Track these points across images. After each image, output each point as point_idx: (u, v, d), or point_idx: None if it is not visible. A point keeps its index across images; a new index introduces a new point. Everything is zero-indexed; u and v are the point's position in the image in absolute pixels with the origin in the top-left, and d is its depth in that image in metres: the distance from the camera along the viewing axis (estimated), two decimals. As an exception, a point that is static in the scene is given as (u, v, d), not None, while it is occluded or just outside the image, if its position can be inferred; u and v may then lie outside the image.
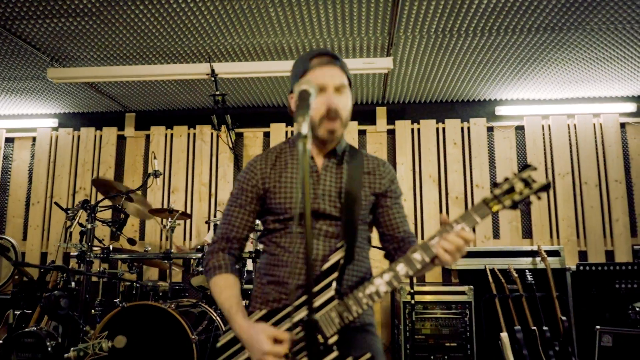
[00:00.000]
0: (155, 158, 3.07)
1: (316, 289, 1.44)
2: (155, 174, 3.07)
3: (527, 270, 4.11)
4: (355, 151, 1.65)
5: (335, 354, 1.37)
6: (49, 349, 2.73)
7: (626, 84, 4.45)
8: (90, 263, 2.95)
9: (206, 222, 4.39)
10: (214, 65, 3.71)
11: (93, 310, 3.09)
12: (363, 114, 4.98)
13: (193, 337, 2.65)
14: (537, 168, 1.35)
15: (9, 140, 5.25)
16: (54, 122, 5.14)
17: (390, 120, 4.96)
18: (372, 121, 4.97)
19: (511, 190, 1.33)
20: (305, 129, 1.04)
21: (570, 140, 4.79)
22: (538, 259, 4.19)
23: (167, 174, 4.99)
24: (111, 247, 2.99)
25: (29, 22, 3.31)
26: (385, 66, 3.73)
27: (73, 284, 2.46)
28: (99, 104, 4.94)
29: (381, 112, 4.97)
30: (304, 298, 1.44)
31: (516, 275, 4.06)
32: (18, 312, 3.40)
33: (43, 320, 3.79)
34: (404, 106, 5.00)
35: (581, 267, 4.05)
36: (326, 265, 1.46)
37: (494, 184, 1.36)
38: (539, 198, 1.34)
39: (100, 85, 4.43)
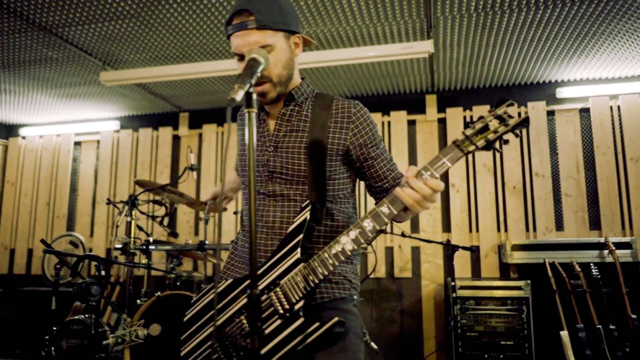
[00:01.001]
0: (191, 152, 3.14)
1: (281, 253, 1.40)
2: (192, 168, 3.14)
3: (592, 264, 3.76)
4: (324, 96, 1.54)
5: (301, 320, 1.31)
6: (95, 335, 2.86)
7: None
8: (133, 255, 3.07)
9: (234, 213, 4.46)
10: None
11: (138, 300, 3.21)
12: (411, 102, 4.81)
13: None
14: (515, 103, 1.22)
15: (77, 144, 5.62)
16: (116, 125, 5.43)
17: (441, 108, 4.75)
18: (422, 110, 4.79)
19: (485, 129, 1.22)
20: (240, 96, 0.99)
21: (643, 121, 4.34)
22: (606, 251, 3.83)
23: (218, 171, 5.11)
24: (151, 239, 3.09)
25: (77, 27, 3.50)
26: (425, 50, 3.57)
27: (103, 272, 2.57)
28: (155, 105, 5.16)
29: (431, 100, 4.77)
30: (267, 264, 1.41)
31: (579, 269, 3.74)
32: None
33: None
34: (455, 93, 4.77)
35: (655, 261, 3.65)
36: (291, 228, 1.40)
37: (466, 124, 1.27)
38: (517, 135, 1.23)
39: (153, 87, 4.62)
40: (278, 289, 1.36)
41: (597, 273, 3.71)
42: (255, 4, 1.35)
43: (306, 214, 1.39)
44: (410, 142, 4.76)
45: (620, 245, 3.82)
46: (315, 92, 1.57)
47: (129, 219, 3.05)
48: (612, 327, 3.53)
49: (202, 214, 3.25)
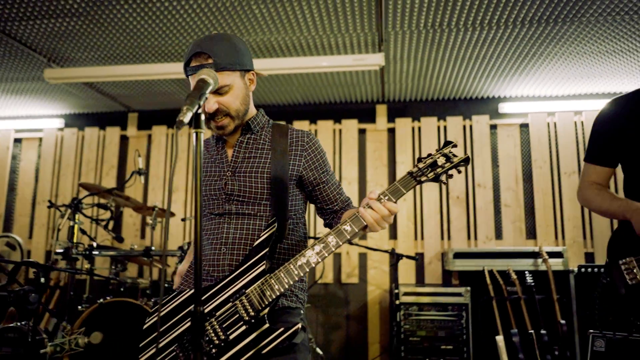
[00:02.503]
0: (139, 156, 3.08)
1: (247, 264, 1.48)
2: (139, 172, 3.08)
3: (527, 272, 3.98)
4: (280, 126, 1.67)
5: (266, 325, 1.41)
6: (32, 344, 2.76)
7: (634, 78, 4.27)
8: (75, 260, 2.98)
9: (182, 220, 4.41)
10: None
11: (80, 307, 3.12)
12: (362, 112, 4.92)
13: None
14: (457, 145, 1.43)
15: (17, 141, 5.38)
16: (60, 123, 5.25)
17: (391, 118, 4.89)
18: (372, 119, 4.91)
19: (434, 164, 1.42)
20: (188, 118, 1.02)
21: (577, 137, 4.62)
22: (540, 260, 4.06)
23: (167, 174, 5.03)
24: (94, 244, 3.02)
25: (21, 23, 3.37)
26: (376, 62, 3.67)
27: (42, 279, 2.49)
28: (102, 104, 5.02)
29: (381, 110, 4.90)
30: (233, 274, 1.49)
31: (515, 277, 3.94)
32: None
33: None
34: (405, 104, 4.92)
35: (583, 270, 3.90)
36: (257, 242, 1.50)
37: (419, 159, 1.44)
38: (459, 172, 1.44)
39: (100, 86, 4.50)
40: (244, 298, 1.43)
41: (532, 280, 3.92)
42: (213, 47, 1.45)
43: (272, 230, 1.50)
44: (361, 150, 4.86)
45: (552, 255, 4.06)
46: (270, 122, 1.70)
47: (72, 222, 2.97)
48: (543, 331, 3.75)
49: (149, 219, 3.21)
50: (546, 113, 4.68)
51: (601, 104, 4.50)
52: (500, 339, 3.73)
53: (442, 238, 4.62)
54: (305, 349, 1.50)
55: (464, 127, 4.77)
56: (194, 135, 1.03)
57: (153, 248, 2.91)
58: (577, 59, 3.89)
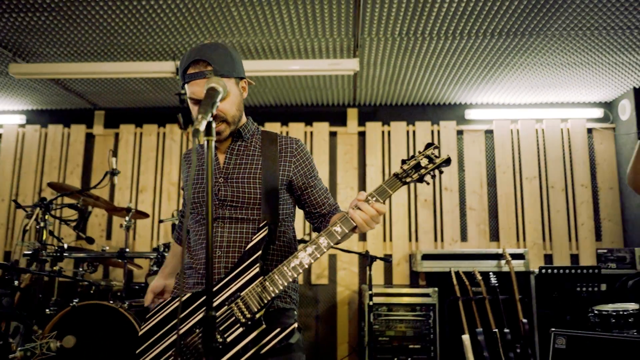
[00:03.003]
0: (113, 156, 3.03)
1: (241, 267, 1.50)
2: (113, 173, 3.03)
3: (491, 273, 4.13)
4: (269, 133, 1.72)
5: (262, 327, 1.43)
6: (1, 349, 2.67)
7: (593, 90, 4.51)
8: (44, 262, 2.90)
9: (160, 222, 4.36)
10: (179, 63, 3.68)
11: (48, 310, 3.04)
12: (334, 115, 4.98)
13: (144, 337, 2.62)
14: (439, 147, 1.57)
15: (-26, 137, 5.16)
16: (22, 119, 5.07)
17: (361, 122, 4.97)
18: (343, 122, 4.98)
19: (418, 165, 1.49)
20: (203, 126, 1.05)
21: (538, 144, 4.84)
22: (503, 261, 4.23)
23: (135, 173, 4.94)
24: (65, 245, 2.94)
25: (-13, 16, 3.25)
26: (351, 68, 3.73)
27: (16, 282, 2.42)
28: (67, 101, 4.88)
29: (352, 114, 4.97)
30: (227, 278, 1.51)
31: (480, 278, 4.09)
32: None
33: None
34: (375, 108, 5.01)
35: (544, 271, 4.09)
36: (249, 245, 1.52)
37: (403, 161, 1.50)
38: (442, 172, 1.52)
39: (67, 82, 4.38)
40: (239, 300, 1.46)
41: (496, 281, 4.08)
42: (211, 54, 1.51)
43: (264, 233, 1.53)
44: (331, 153, 4.92)
45: (515, 256, 4.23)
46: (259, 129, 1.74)
47: (42, 224, 2.88)
48: (506, 330, 3.91)
49: (124, 221, 3.15)
50: (510, 120, 4.87)
51: (560, 113, 4.77)
52: (466, 337, 3.86)
53: (410, 240, 4.73)
54: (300, 349, 1.53)
55: (432, 132, 4.90)
56: (206, 142, 1.05)
57: (127, 250, 2.86)
58: (539, 70, 4.08)
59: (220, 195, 1.60)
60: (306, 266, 1.46)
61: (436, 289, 4.08)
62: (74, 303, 2.66)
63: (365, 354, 3.95)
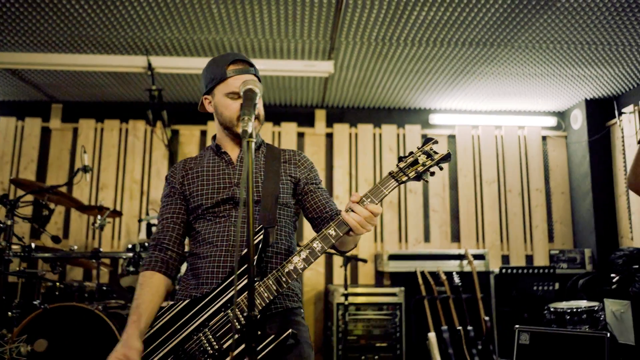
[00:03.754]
0: (85, 152, 2.92)
1: (237, 272, 1.47)
2: (85, 169, 2.92)
3: (454, 273, 4.29)
4: (272, 146, 1.75)
5: (258, 332, 1.39)
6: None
7: (548, 99, 4.77)
8: (8, 262, 2.75)
9: (139, 221, 4.23)
10: (151, 58, 3.60)
11: (10, 313, 2.88)
12: (302, 116, 5.00)
13: (121, 340, 2.54)
14: (438, 142, 1.46)
15: None
16: (-30, 110, 4.77)
17: (329, 123, 5.02)
18: (311, 124, 5.00)
19: (415, 162, 1.42)
20: (250, 127, 1.06)
21: (497, 150, 5.06)
22: (465, 262, 4.40)
23: (96, 170, 4.76)
24: (33, 245, 2.80)
25: (-55, 0, 3.05)
26: (326, 70, 3.78)
27: None
28: (22, 92, 4.63)
29: (320, 115, 5.01)
30: (223, 285, 1.48)
31: (444, 277, 4.24)
32: None
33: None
34: (343, 110, 5.08)
35: (504, 270, 4.29)
36: (245, 250, 1.49)
37: (399, 158, 1.43)
38: (441, 168, 1.45)
39: (24, 73, 4.16)
40: (235, 307, 1.42)
41: (459, 281, 4.24)
42: (248, 58, 1.63)
43: (259, 237, 1.49)
44: (299, 153, 4.93)
45: (476, 257, 4.42)
46: (265, 143, 1.77)
47: (9, 222, 2.72)
48: (469, 328, 4.07)
49: (98, 220, 3.03)
50: (471, 126, 5.07)
51: (517, 121, 5.02)
52: (432, 335, 3.99)
53: (376, 241, 4.83)
54: (308, 345, 1.53)
55: (398, 135, 5.02)
56: (246, 144, 1.05)
57: (101, 249, 2.76)
58: (501, 79, 4.27)
59: (236, 198, 1.60)
60: (300, 271, 1.43)
61: (402, 288, 4.19)
62: (45, 305, 2.54)
63: (334, 354, 4.00)
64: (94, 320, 2.57)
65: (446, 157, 1.44)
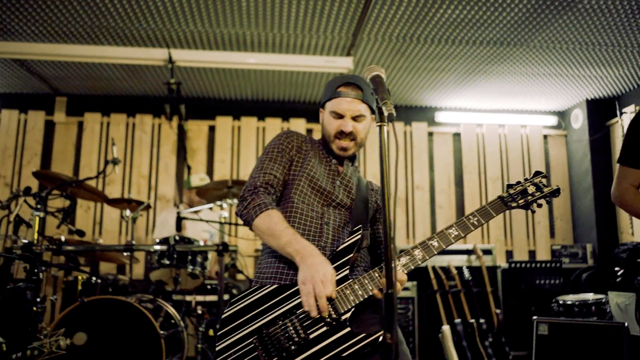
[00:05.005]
0: (114, 144, 2.87)
1: (344, 265, 1.50)
2: (114, 162, 2.87)
3: (464, 268, 4.37)
4: (360, 177, 1.84)
5: (348, 329, 1.42)
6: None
7: (549, 99, 4.91)
8: (39, 255, 2.68)
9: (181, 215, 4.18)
10: (172, 52, 3.56)
11: (35, 308, 2.81)
12: (310, 112, 5.02)
13: (161, 332, 2.51)
14: (548, 176, 1.55)
15: None
16: (-31, 102, 4.63)
17: (337, 120, 5.03)
18: (319, 120, 5.01)
19: (525, 192, 1.52)
20: (393, 109, 1.09)
21: (500, 148, 5.17)
22: (473, 257, 4.48)
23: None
24: (63, 238, 2.75)
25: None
26: (346, 66, 3.80)
27: (40, 275, 2.23)
28: (25, 84, 4.52)
29: (328, 112, 5.03)
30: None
31: (455, 272, 4.31)
32: None
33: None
34: (351, 107, 5.10)
35: (513, 265, 4.39)
36: (342, 246, 1.53)
37: (508, 185, 1.53)
38: (548, 202, 1.53)
39: (31, 64, 4.05)
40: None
41: (469, 275, 4.33)
42: (361, 83, 1.68)
43: (357, 237, 1.54)
44: (308, 149, 4.95)
45: (484, 252, 4.51)
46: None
47: (41, 214, 2.66)
48: (481, 320, 4.16)
49: (128, 212, 2.98)
50: (475, 124, 5.17)
51: (520, 120, 5.14)
52: (446, 328, 4.06)
53: (384, 236, 4.87)
54: (401, 342, 1.54)
55: (405, 132, 5.09)
56: (378, 128, 1.08)
57: (134, 243, 2.72)
58: (507, 78, 4.37)
59: (338, 199, 1.66)
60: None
61: (415, 282, 4.24)
62: (82, 298, 2.50)
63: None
64: (132, 313, 2.54)
65: (555, 192, 1.52)
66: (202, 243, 3.20)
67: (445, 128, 5.16)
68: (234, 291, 3.38)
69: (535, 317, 3.51)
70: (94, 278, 2.89)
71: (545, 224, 5.05)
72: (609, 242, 4.66)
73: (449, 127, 5.17)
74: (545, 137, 5.24)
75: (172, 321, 2.96)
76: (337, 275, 1.48)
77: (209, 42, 3.69)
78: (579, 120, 5.00)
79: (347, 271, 1.49)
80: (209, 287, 3.16)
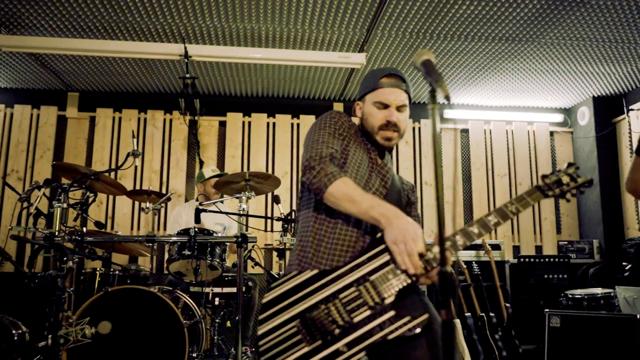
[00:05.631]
0: (134, 137, 2.90)
1: (371, 253, 1.52)
2: (134, 154, 2.90)
3: (474, 262, 4.42)
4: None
5: (392, 313, 1.44)
6: (15, 337, 2.48)
7: (556, 96, 4.96)
8: (62, 246, 2.71)
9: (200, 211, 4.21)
10: (188, 46, 3.59)
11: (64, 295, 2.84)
12: (321, 108, 5.06)
13: (184, 322, 2.55)
14: (579, 167, 1.60)
15: None
16: (-18, 97, 4.65)
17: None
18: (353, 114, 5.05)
19: (560, 182, 1.57)
20: (448, 92, 1.13)
21: (507, 144, 5.22)
22: (482, 252, 4.53)
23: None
24: (85, 229, 2.78)
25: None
26: (359, 62, 3.84)
27: (70, 263, 2.27)
28: (38, 79, 4.54)
29: (339, 108, 5.08)
30: (356, 262, 1.53)
31: (464, 266, 4.36)
32: None
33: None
34: (360, 104, 5.14)
35: (522, 260, 4.44)
36: (380, 233, 1.54)
37: (543, 176, 1.57)
38: (582, 192, 1.57)
39: (45, 58, 4.07)
40: (368, 284, 1.48)
41: (478, 270, 4.37)
42: (403, 75, 1.75)
43: None
44: (317, 145, 4.98)
45: (492, 247, 4.56)
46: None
47: (65, 205, 2.69)
48: (491, 314, 4.21)
49: (148, 204, 3.02)
50: (483, 121, 5.22)
51: (527, 117, 5.19)
52: (457, 322, 4.10)
53: (393, 231, 4.91)
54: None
55: (414, 128, 5.13)
56: (430, 111, 1.11)
57: (155, 235, 2.76)
58: (516, 75, 4.42)
59: (374, 187, 1.70)
60: (434, 264, 1.47)
61: (425, 277, 4.28)
62: (106, 288, 2.53)
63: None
64: (155, 303, 2.57)
65: (588, 182, 1.57)
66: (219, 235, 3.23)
67: (453, 124, 5.20)
68: (249, 284, 3.41)
69: (547, 310, 3.56)
70: (115, 268, 2.92)
71: (551, 219, 5.10)
72: (616, 237, 4.71)
73: (457, 123, 5.21)
74: (551, 134, 5.30)
75: (190, 312, 2.99)
76: (378, 259, 1.50)
77: (224, 37, 3.72)
78: (585, 117, 5.05)
79: (389, 256, 1.50)
80: (226, 278, 3.19)
